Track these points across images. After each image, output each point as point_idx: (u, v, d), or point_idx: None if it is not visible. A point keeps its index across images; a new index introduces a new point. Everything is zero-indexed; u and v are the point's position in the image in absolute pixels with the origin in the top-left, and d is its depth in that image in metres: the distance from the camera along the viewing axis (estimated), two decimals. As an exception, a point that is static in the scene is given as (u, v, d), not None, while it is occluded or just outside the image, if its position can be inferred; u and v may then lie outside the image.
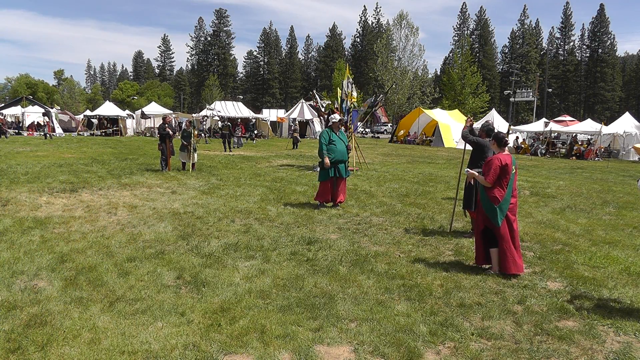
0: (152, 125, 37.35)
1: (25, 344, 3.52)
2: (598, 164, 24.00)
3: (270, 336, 3.76)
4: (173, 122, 19.38)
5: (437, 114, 38.75)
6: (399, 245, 6.63)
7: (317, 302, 4.45)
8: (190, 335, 3.75)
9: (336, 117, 9.37)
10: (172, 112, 40.30)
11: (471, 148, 7.22)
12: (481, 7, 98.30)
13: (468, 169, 6.15)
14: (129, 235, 6.71)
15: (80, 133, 36.39)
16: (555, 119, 36.64)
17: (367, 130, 54.34)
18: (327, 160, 8.90)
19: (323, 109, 17.15)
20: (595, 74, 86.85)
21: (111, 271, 5.17)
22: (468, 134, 7.28)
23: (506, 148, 5.61)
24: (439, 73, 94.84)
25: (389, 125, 52.91)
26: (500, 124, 30.19)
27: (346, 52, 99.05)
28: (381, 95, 19.82)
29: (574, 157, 28.22)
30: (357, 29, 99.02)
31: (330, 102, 18.07)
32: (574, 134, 31.80)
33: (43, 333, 3.69)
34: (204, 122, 35.33)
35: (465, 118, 9.67)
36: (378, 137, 47.22)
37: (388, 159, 21.84)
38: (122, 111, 41.44)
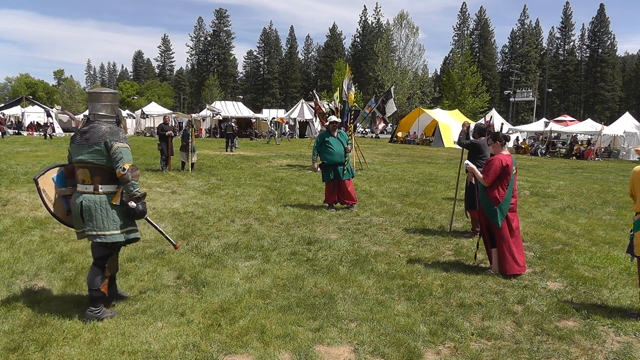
0: (152, 125, 37.35)
1: (25, 344, 3.52)
2: (598, 164, 24.00)
3: (270, 336, 3.75)
4: (172, 121, 19.34)
5: (437, 114, 38.74)
6: (399, 245, 6.63)
7: (317, 302, 4.45)
8: (190, 335, 3.75)
9: (332, 118, 9.33)
10: (172, 112, 40.28)
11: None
12: (481, 7, 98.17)
13: (468, 162, 6.10)
14: (129, 235, 6.70)
15: (80, 133, 36.32)
16: (555, 119, 36.63)
17: (367, 130, 54.32)
18: (314, 165, 9.07)
19: (324, 110, 16.68)
20: (595, 74, 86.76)
21: (111, 271, 5.16)
22: (462, 140, 7.34)
23: (506, 148, 5.60)
24: (439, 73, 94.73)
25: (388, 125, 52.83)
26: (499, 124, 30.18)
27: (346, 52, 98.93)
28: (388, 93, 18.14)
29: (574, 157, 28.22)
30: (357, 29, 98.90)
31: (329, 102, 17.64)
32: (574, 134, 31.82)
33: (43, 333, 3.69)
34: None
35: (465, 119, 9.70)
36: (378, 137, 47.19)
37: (388, 159, 21.83)
38: (122, 111, 41.35)
